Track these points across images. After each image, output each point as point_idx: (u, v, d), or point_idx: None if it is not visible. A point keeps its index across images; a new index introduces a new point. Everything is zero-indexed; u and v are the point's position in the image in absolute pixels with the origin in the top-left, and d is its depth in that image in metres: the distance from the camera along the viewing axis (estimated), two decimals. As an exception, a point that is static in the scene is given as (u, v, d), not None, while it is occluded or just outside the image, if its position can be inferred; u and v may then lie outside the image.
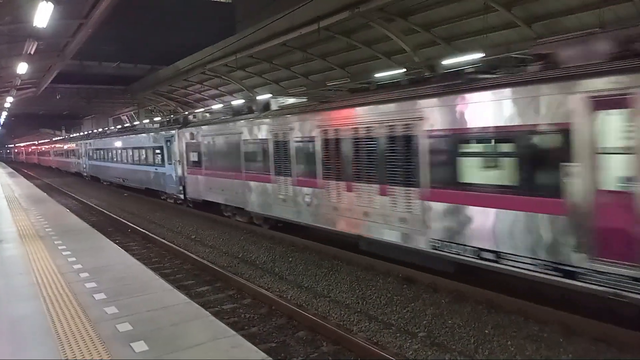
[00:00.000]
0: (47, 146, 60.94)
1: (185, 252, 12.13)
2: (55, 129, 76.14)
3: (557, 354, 6.29)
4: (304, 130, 11.60)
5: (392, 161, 9.24)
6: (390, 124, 9.21)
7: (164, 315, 5.23)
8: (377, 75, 22.23)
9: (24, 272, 7.11)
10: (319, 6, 18.95)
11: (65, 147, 46.06)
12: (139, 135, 24.23)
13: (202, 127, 17.10)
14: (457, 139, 7.96)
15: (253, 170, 13.89)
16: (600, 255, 6.27)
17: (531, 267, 7.03)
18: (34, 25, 13.62)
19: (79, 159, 39.32)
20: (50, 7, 12.05)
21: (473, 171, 7.80)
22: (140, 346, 4.43)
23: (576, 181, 6.42)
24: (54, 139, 62.97)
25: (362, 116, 9.88)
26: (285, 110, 12.91)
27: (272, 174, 12.98)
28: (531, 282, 7.26)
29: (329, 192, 10.95)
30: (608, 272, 6.19)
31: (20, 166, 66.59)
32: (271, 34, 22.90)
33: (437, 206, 8.40)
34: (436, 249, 8.50)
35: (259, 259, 11.53)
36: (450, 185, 8.12)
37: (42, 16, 12.66)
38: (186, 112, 28.69)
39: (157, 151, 21.33)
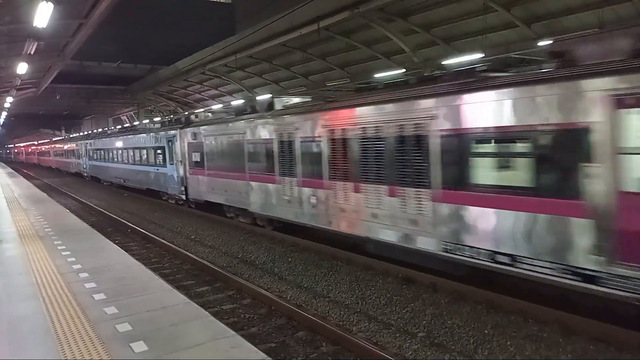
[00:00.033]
0: (47, 146, 60.92)
1: (185, 252, 12.13)
2: (55, 129, 76.15)
3: (556, 353, 6.29)
4: (310, 130, 11.37)
5: (401, 161, 9.01)
6: (399, 123, 8.98)
7: (164, 315, 5.23)
8: (376, 75, 22.29)
9: (24, 272, 7.11)
10: (319, 6, 18.98)
11: (66, 147, 45.91)
12: (140, 135, 24.07)
13: (205, 127, 16.91)
14: (471, 139, 7.71)
15: (257, 170, 13.70)
16: (623, 259, 6.03)
17: (549, 271, 6.78)
18: (34, 25, 13.62)
19: (79, 159, 39.21)
20: (50, 7, 12.06)
21: (488, 172, 7.55)
22: (139, 346, 4.43)
23: (597, 182, 6.20)
24: (53, 139, 62.93)
25: (371, 115, 9.64)
26: (290, 109, 12.69)
27: (276, 175, 12.77)
28: (531, 282, 7.26)
29: (336, 193, 10.73)
30: (631, 277, 5.94)
31: (20, 166, 66.59)
32: (271, 34, 22.92)
33: (449, 208, 8.15)
34: (448, 252, 8.25)
35: (258, 259, 11.53)
36: (463, 187, 7.87)
37: (42, 16, 12.67)
38: (188, 112, 28.62)
39: (159, 151, 21.19)
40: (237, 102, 32.20)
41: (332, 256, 11.20)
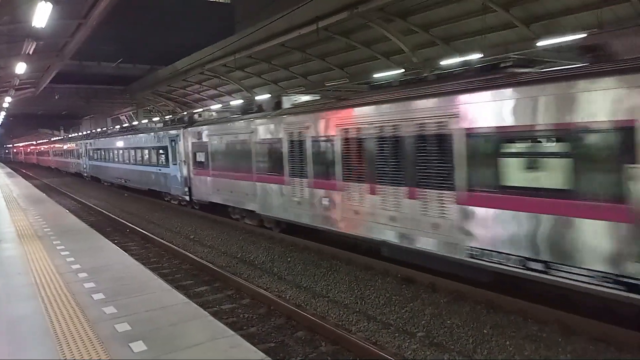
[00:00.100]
0: (46, 146, 60.84)
1: (184, 252, 12.12)
2: (54, 129, 76.08)
3: (556, 353, 6.29)
4: (322, 128, 10.95)
5: (423, 162, 8.52)
6: (420, 121, 8.49)
7: (163, 315, 5.22)
8: (375, 75, 22.29)
9: (23, 272, 7.09)
10: (318, 6, 18.98)
11: (65, 147, 45.70)
12: (142, 134, 23.69)
13: (210, 126, 16.55)
14: (501, 138, 7.22)
15: (265, 171, 13.29)
16: None
17: (587, 279, 6.36)
18: (32, 25, 13.61)
19: (79, 159, 39.07)
20: (49, 7, 12.04)
21: (521, 173, 7.05)
22: (138, 346, 4.43)
23: None
24: (53, 139, 62.85)
25: (388, 114, 9.17)
26: (300, 108, 12.29)
27: (285, 175, 12.35)
28: (531, 282, 7.25)
29: (350, 195, 10.29)
30: None
31: (19, 166, 66.51)
32: (270, 35, 22.94)
33: (476, 211, 7.67)
34: (474, 258, 7.77)
35: (257, 259, 11.52)
36: (492, 189, 7.40)
37: (41, 16, 12.65)
38: (192, 111, 28.47)
39: (161, 151, 20.83)
40: (237, 101, 32.21)
41: (331, 256, 11.20)
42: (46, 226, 11.13)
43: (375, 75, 22.25)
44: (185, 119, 20.19)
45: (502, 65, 7.98)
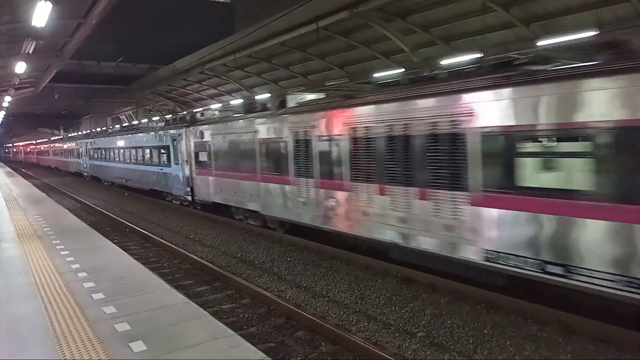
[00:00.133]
0: (46, 145, 60.79)
1: (184, 251, 12.12)
2: (54, 128, 76.04)
3: (556, 353, 6.29)
4: (329, 127, 10.70)
5: (434, 162, 8.27)
6: (432, 120, 8.23)
7: (163, 315, 5.22)
8: (376, 75, 22.28)
9: (22, 272, 7.09)
10: (318, 6, 18.96)
11: (65, 146, 45.60)
12: (144, 134, 23.49)
13: (213, 125, 16.35)
14: (519, 137, 6.95)
15: (269, 171, 13.06)
16: None
17: (613, 285, 6.12)
18: (32, 24, 13.60)
19: (79, 158, 38.99)
20: (48, 6, 12.03)
21: (541, 173, 6.80)
22: (138, 346, 4.42)
23: None
24: (53, 138, 62.81)
25: (399, 112, 8.93)
26: (306, 106, 12.03)
27: (291, 175, 12.11)
28: (529, 282, 7.25)
29: (358, 196, 10.05)
30: None
31: (19, 166, 66.50)
32: (270, 34, 22.91)
33: (492, 213, 7.42)
34: (489, 261, 7.52)
35: (257, 258, 11.52)
36: (508, 189, 7.14)
37: (41, 15, 12.64)
38: (194, 110, 28.34)
39: (163, 151, 20.58)
40: (237, 101, 32.19)
41: (331, 256, 11.19)
42: (46, 226, 11.12)
43: (376, 75, 22.23)
44: (188, 118, 19.98)
45: (516, 62, 7.75)
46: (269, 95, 26.71)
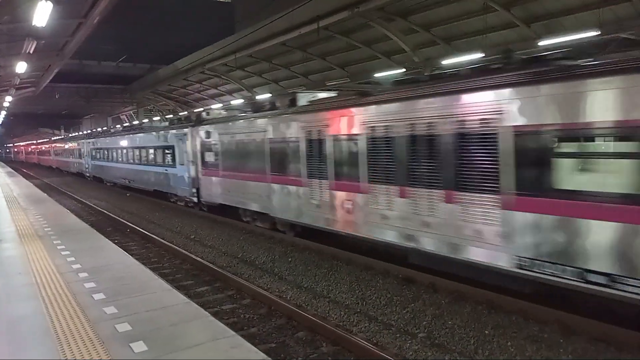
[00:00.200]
0: (47, 145, 60.79)
1: (185, 252, 12.12)
2: (54, 128, 76.10)
3: (556, 354, 6.28)
4: (345, 127, 10.26)
5: (461, 163, 7.82)
6: (459, 119, 7.79)
7: (163, 315, 5.22)
8: (376, 75, 22.28)
9: (23, 272, 7.09)
10: (319, 6, 18.96)
11: (67, 146, 45.43)
12: (147, 134, 23.10)
13: (220, 124, 15.90)
14: (558, 137, 6.48)
15: (280, 172, 12.56)
16: None
17: None
18: (33, 24, 13.59)
19: (80, 158, 38.86)
20: (49, 6, 12.03)
21: (581, 176, 6.38)
22: (139, 346, 4.42)
23: None
24: (54, 138, 62.82)
25: (422, 110, 8.48)
26: (320, 105, 11.60)
27: (303, 177, 11.67)
28: (530, 282, 7.24)
29: (376, 198, 9.59)
30: None
31: (20, 166, 66.58)
32: (270, 34, 22.92)
33: (526, 217, 6.95)
34: (523, 268, 7.09)
35: (258, 259, 11.52)
36: (546, 192, 6.67)
37: (41, 15, 12.63)
38: (200, 109, 28.13)
39: (168, 151, 20.22)
40: (237, 101, 32.20)
41: (332, 256, 11.19)
42: (47, 226, 11.13)
43: (376, 75, 22.23)
44: (193, 117, 19.62)
45: (548, 57, 7.40)
46: (269, 95, 26.70)
